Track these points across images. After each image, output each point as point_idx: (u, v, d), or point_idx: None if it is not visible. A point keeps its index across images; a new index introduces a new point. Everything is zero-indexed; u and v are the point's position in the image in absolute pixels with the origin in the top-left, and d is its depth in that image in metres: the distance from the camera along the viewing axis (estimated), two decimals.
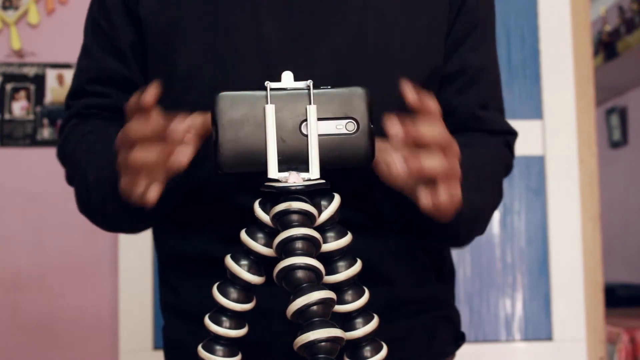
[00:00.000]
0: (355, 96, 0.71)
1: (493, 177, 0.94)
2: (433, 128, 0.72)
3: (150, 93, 0.71)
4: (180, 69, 0.89)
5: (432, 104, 0.72)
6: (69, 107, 1.00)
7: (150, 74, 0.93)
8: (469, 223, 0.86)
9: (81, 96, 0.98)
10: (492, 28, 1.00)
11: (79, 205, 0.94)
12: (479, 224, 0.91)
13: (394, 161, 0.72)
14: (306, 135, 0.70)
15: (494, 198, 0.94)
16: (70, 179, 0.96)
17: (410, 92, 0.71)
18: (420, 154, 0.71)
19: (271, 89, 0.70)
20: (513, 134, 1.00)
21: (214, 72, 0.88)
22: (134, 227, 0.94)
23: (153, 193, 0.75)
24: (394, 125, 0.71)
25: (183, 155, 0.72)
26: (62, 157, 0.98)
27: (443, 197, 0.73)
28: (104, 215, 0.90)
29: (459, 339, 1.02)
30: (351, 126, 0.71)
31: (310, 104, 0.70)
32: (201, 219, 0.92)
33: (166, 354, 1.01)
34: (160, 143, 0.72)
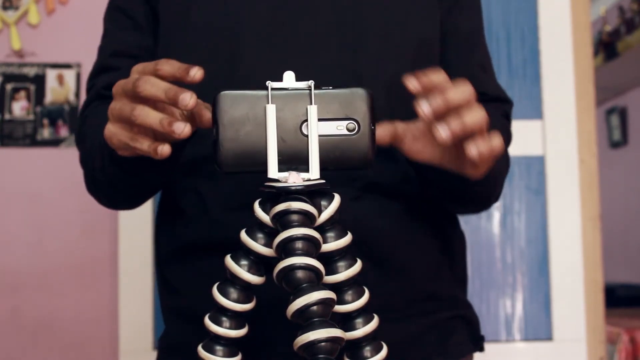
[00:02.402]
0: (357, 97, 0.71)
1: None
2: (458, 90, 0.73)
3: (200, 72, 0.70)
4: (194, 27, 0.94)
5: (438, 76, 0.73)
6: (90, 89, 1.03)
7: (163, 44, 0.97)
8: (493, 178, 0.88)
9: (101, 73, 1.01)
10: (478, 2, 1.06)
11: (86, 184, 0.96)
12: (498, 182, 0.94)
13: (437, 130, 0.72)
14: (307, 136, 0.70)
15: (504, 164, 0.97)
16: (81, 161, 0.98)
17: (410, 82, 0.72)
18: (455, 114, 0.72)
19: (272, 89, 0.70)
20: (509, 102, 1.04)
21: (227, 22, 0.93)
22: (132, 197, 0.95)
23: (167, 148, 0.73)
24: (423, 104, 0.72)
25: (186, 128, 0.70)
26: (79, 139, 1.00)
27: (486, 146, 0.74)
28: (106, 183, 0.91)
29: (478, 340, 1.01)
30: (352, 127, 0.71)
31: (311, 104, 0.70)
32: (202, 198, 0.93)
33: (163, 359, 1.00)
34: (162, 107, 0.73)
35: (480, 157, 0.74)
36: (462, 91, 0.73)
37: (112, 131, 0.76)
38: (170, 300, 0.99)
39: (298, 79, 0.71)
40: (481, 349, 1.02)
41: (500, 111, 1.01)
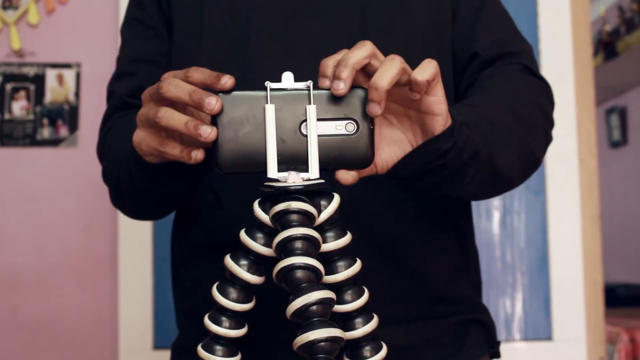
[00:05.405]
0: (356, 97, 0.71)
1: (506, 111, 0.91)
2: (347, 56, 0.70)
3: (231, 81, 0.69)
4: (206, 30, 0.95)
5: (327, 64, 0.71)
6: (110, 94, 1.03)
7: (177, 49, 0.98)
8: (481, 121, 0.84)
9: (120, 78, 1.02)
10: None
11: (110, 195, 0.96)
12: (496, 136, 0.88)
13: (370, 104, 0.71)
14: (306, 136, 0.70)
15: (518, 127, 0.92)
16: (105, 173, 0.97)
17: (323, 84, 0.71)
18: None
19: (271, 89, 0.70)
20: (516, 53, 1.00)
21: (238, 27, 0.94)
22: (158, 206, 0.94)
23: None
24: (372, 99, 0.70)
25: (212, 132, 0.70)
26: (102, 151, 0.99)
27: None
28: (131, 193, 0.91)
29: (494, 345, 1.00)
30: (351, 127, 0.71)
31: (310, 104, 0.70)
32: (216, 194, 0.93)
33: None
34: (189, 110, 0.72)
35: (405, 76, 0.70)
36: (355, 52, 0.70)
37: (141, 136, 0.76)
38: (185, 303, 0.99)
39: (305, 79, 0.71)
40: (497, 355, 1.01)
41: (504, 68, 0.97)
